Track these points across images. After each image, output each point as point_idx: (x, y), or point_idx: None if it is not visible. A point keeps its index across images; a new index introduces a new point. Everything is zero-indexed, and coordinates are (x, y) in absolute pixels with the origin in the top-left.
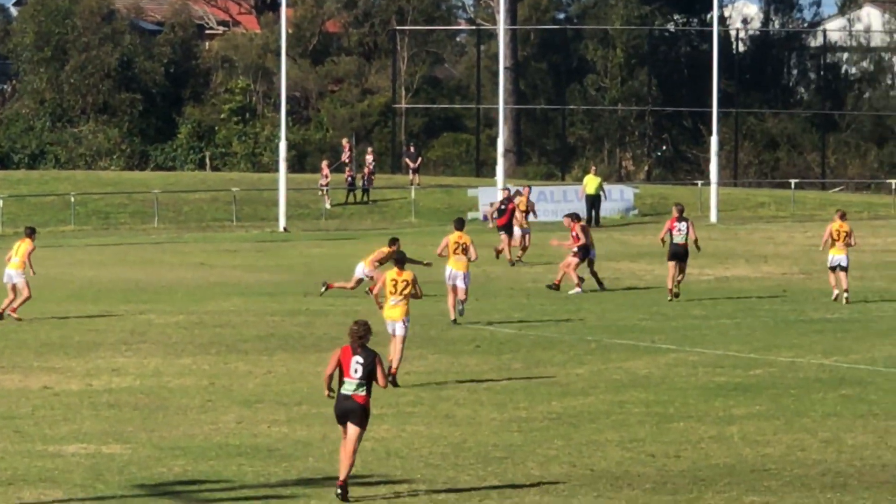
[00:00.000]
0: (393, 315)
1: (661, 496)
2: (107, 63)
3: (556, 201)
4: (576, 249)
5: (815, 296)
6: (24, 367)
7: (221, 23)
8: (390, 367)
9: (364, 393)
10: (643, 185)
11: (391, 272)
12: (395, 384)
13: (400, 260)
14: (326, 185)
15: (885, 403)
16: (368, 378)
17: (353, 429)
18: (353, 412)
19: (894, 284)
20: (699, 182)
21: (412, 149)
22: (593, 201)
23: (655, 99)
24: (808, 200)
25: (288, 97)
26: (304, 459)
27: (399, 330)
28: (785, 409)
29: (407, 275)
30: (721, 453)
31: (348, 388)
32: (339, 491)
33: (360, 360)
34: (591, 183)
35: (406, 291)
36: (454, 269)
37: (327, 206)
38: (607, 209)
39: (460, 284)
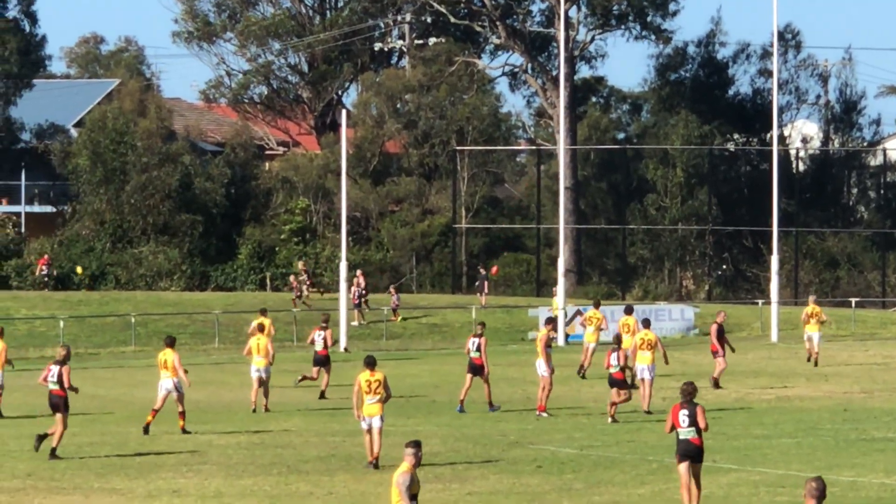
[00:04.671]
0: (371, 411)
1: None
2: (167, 184)
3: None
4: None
5: (877, 414)
6: (84, 488)
7: (281, 143)
8: (375, 454)
9: (697, 436)
10: (703, 304)
11: (364, 373)
12: (376, 467)
13: (371, 362)
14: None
15: None
16: (696, 424)
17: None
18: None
19: None
20: (759, 301)
21: (482, 270)
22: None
23: (715, 218)
24: (868, 319)
25: (348, 217)
26: None
27: (377, 422)
28: None
29: (379, 375)
30: None
31: (683, 434)
32: None
33: (686, 412)
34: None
35: (379, 391)
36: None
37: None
38: (668, 329)
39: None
